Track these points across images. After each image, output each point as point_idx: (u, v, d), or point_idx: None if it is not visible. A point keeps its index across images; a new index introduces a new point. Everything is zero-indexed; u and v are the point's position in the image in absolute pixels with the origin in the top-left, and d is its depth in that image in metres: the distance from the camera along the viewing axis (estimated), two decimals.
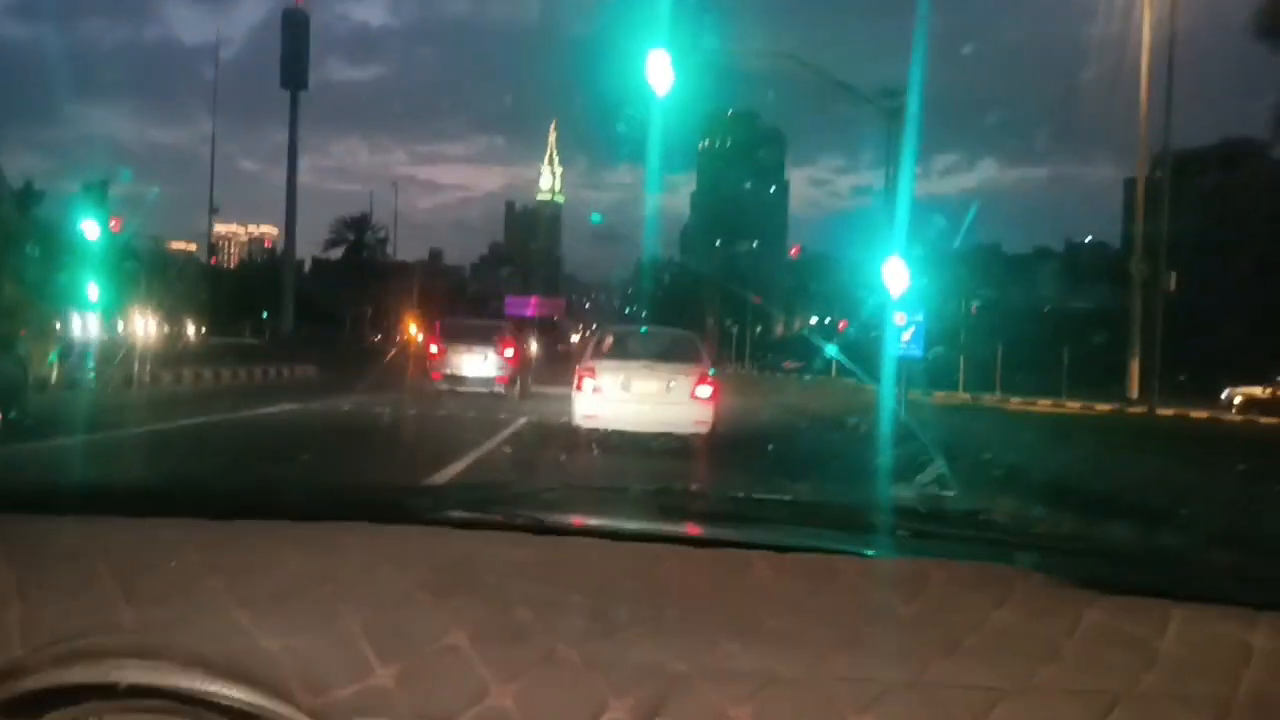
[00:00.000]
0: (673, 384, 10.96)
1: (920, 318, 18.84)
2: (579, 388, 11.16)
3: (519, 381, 20.20)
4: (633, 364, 11.23)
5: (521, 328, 27.99)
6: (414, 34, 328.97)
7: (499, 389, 19.40)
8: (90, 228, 18.16)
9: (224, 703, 0.91)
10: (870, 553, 1.21)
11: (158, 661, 0.92)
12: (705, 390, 10.92)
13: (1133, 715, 0.93)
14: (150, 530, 1.17)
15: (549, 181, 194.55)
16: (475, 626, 0.97)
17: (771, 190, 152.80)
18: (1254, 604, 1.08)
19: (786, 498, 1.59)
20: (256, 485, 1.43)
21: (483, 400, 17.57)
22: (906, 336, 18.28)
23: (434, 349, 20.60)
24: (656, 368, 11.12)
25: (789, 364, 62.50)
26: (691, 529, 1.35)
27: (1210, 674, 0.98)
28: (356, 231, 69.82)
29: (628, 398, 10.94)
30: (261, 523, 1.24)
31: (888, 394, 16.39)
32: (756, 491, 1.58)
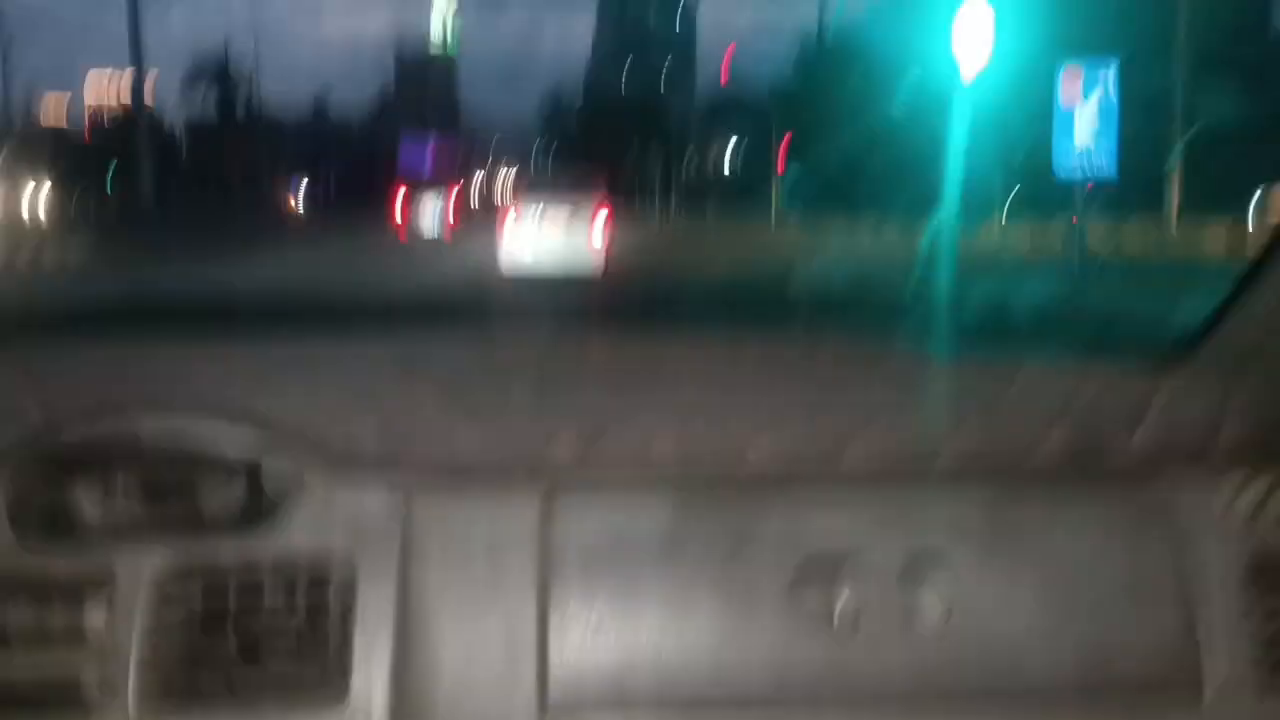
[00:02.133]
0: (575, 225, 13.81)
1: (1110, 74, 9.90)
2: (503, 232, 14.16)
3: (458, 231, 25.54)
4: (547, 212, 14.11)
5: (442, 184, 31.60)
6: None
7: (444, 238, 24.34)
8: None
9: (234, 448, 1.05)
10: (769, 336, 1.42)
11: (174, 413, 1.06)
12: (600, 230, 13.85)
13: (982, 436, 1.16)
14: (139, 341, 1.30)
15: (439, 28, 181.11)
16: (439, 392, 1.14)
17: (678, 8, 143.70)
18: (1098, 357, 1.32)
19: (704, 288, 1.80)
20: (225, 301, 1.53)
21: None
22: (1086, 130, 9.40)
23: (399, 212, 26.16)
24: (562, 214, 13.94)
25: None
26: (619, 322, 1.52)
27: (1047, 407, 1.20)
28: (216, 67, 60.92)
29: (541, 238, 13.73)
30: (238, 334, 1.39)
31: (947, 242, 9.10)
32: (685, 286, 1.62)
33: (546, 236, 13.83)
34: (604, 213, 14.20)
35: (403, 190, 27.07)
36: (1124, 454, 1.17)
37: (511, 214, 14.42)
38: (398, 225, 25.82)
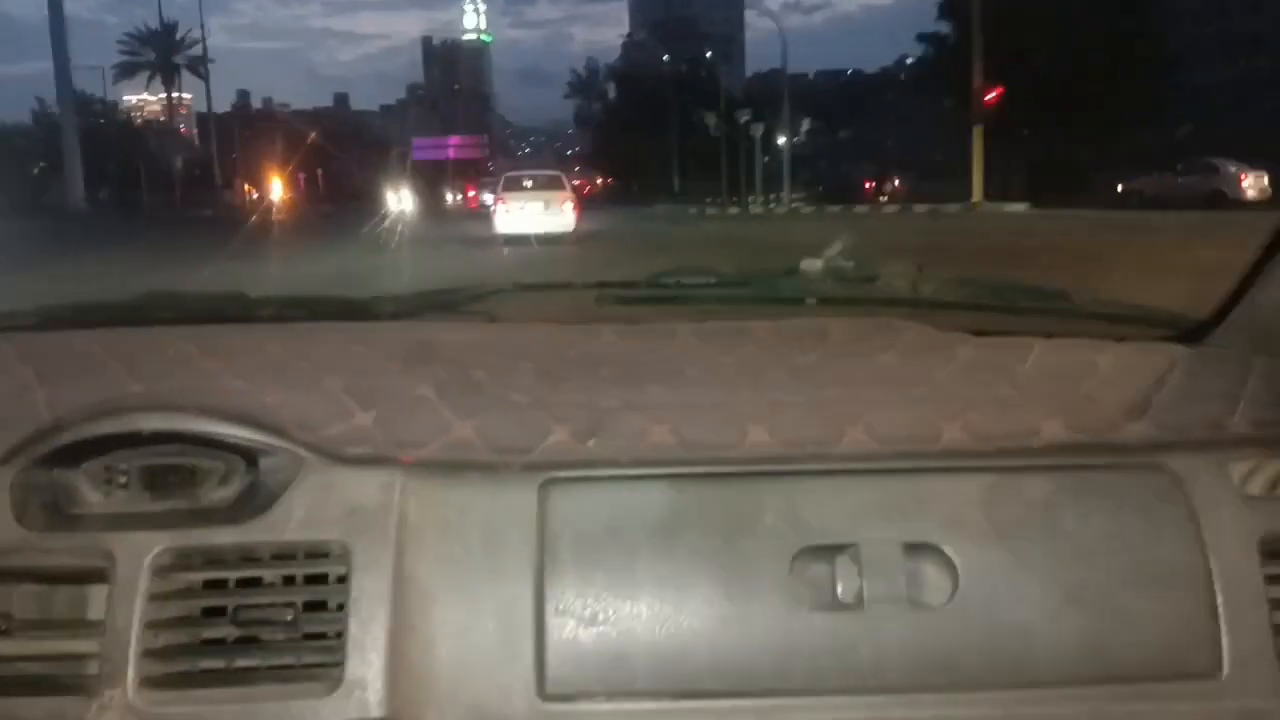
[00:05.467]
0: (549, 203, 18.45)
1: None
2: (495, 210, 19.10)
3: None
4: (526, 193, 19.21)
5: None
6: None
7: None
8: None
9: (233, 441, 1.06)
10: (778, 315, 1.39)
11: (174, 412, 1.07)
12: (569, 205, 18.53)
13: (987, 416, 1.14)
14: (143, 333, 1.34)
15: (473, 20, 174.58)
16: (439, 383, 1.15)
17: None
18: (1113, 337, 1.29)
19: (710, 279, 1.72)
20: (233, 296, 1.53)
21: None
22: None
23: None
24: (539, 195, 18.98)
25: None
26: (625, 312, 1.54)
27: (1056, 384, 1.19)
28: (160, 49, 50.58)
29: (524, 212, 18.15)
30: (242, 325, 1.42)
31: None
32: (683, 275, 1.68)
33: (530, 206, 18.40)
34: (569, 199, 18.93)
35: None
36: (1134, 434, 1.14)
37: (502, 197, 19.25)
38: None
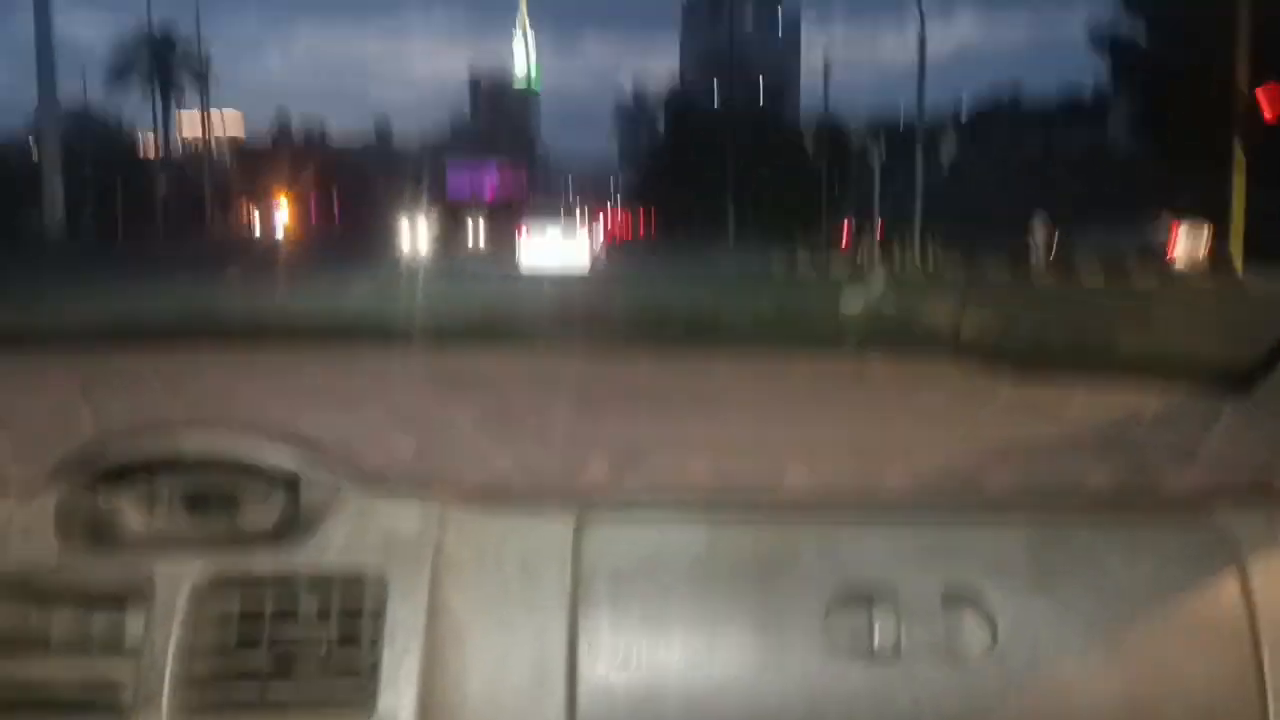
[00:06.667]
0: (568, 237, 19.98)
1: None
2: (518, 242, 20.17)
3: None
4: (547, 232, 20.33)
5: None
6: None
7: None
8: None
9: (275, 468, 1.06)
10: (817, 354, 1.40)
11: (218, 438, 1.07)
12: (587, 245, 20.35)
13: (1031, 462, 1.13)
14: (186, 353, 1.36)
15: (523, 62, 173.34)
16: (478, 413, 1.15)
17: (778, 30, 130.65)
18: (1159, 385, 1.29)
19: (749, 313, 1.79)
20: (266, 311, 1.59)
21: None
22: None
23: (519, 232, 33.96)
24: (560, 234, 20.26)
25: None
26: (662, 344, 1.52)
27: (1102, 431, 1.18)
28: (157, 55, 45.32)
29: (544, 249, 19.27)
30: (282, 348, 1.42)
31: None
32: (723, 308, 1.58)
33: (550, 244, 19.45)
34: (588, 226, 21.60)
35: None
36: (1179, 487, 1.13)
37: (525, 228, 20.39)
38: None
